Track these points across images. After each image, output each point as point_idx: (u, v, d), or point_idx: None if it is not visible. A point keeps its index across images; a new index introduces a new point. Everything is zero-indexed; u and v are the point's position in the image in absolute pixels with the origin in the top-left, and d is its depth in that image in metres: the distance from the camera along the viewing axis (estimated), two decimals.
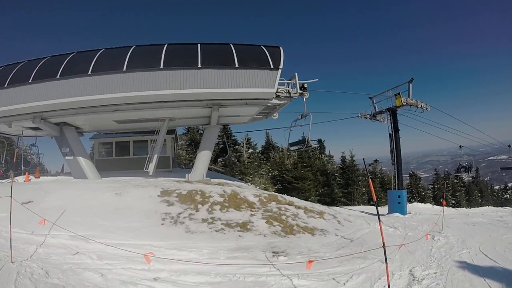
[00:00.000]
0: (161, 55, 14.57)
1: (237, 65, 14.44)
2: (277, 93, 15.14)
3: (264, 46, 15.48)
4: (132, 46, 15.37)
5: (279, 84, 15.09)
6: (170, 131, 21.10)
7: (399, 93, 20.86)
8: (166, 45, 15.20)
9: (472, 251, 9.45)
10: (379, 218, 5.35)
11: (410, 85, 21.09)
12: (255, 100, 15.28)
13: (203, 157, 17.48)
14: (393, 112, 21.73)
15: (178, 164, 26.73)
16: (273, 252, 8.21)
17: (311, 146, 18.87)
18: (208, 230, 9.37)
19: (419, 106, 21.51)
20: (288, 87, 15.81)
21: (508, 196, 61.57)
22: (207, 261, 7.02)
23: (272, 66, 14.55)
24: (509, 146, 33.06)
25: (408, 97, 20.93)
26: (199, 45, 15.12)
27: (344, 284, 6.41)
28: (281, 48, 15.25)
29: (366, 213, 19.34)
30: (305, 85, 15.93)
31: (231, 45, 15.27)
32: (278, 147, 40.00)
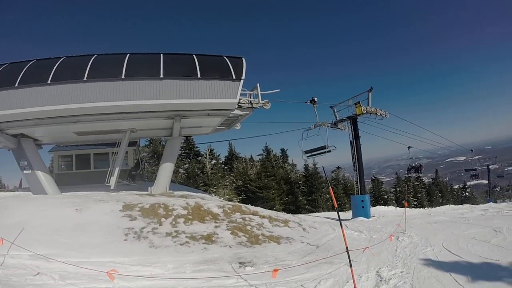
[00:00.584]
0: (123, 65, 14.20)
1: (199, 76, 14.39)
2: (239, 104, 15.20)
3: (227, 57, 15.54)
4: (94, 55, 14.91)
5: (241, 94, 15.17)
6: (132, 143, 20.56)
7: (359, 102, 21.82)
8: (128, 55, 14.86)
9: (436, 248, 9.71)
10: (341, 224, 5.38)
11: (370, 94, 22.15)
12: (218, 111, 15.26)
13: (166, 169, 17.11)
14: (353, 120, 22.64)
15: (141, 176, 26.10)
16: (239, 263, 8.08)
17: (330, 151, 20.05)
18: (172, 244, 9.12)
19: (379, 114, 22.54)
20: (250, 98, 15.91)
21: (467, 194, 64.69)
22: (173, 275, 6.78)
23: (234, 77, 14.63)
24: (471, 150, 35.14)
25: (368, 105, 21.94)
26: (161, 55, 14.92)
27: None
28: (243, 59, 15.37)
29: (331, 219, 19.54)
30: (315, 99, 18.89)
31: (194, 56, 15.19)
32: (241, 157, 40.00)
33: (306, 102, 21.16)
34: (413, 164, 32.95)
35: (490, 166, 56.63)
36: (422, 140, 31.42)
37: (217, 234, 10.01)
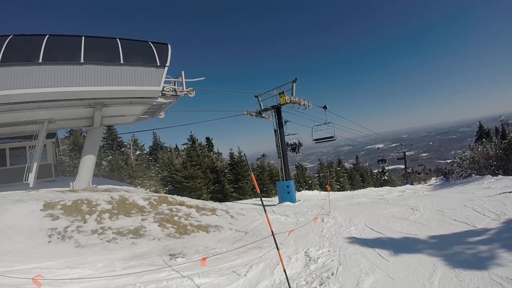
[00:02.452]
0: (41, 48, 12.76)
1: (122, 62, 13.54)
2: (163, 92, 14.70)
3: (152, 42, 14.84)
4: (9, 35, 13.28)
5: (166, 82, 14.70)
6: (50, 135, 18.84)
7: (283, 92, 22.58)
8: (47, 36, 13.33)
9: (359, 227, 10.39)
10: (264, 209, 5.50)
11: (294, 84, 23.02)
12: (141, 99, 14.58)
13: (88, 162, 16.00)
14: (277, 110, 23.46)
15: (62, 171, 24.23)
16: (170, 255, 7.93)
17: (335, 139, 24.50)
18: (99, 241, 8.64)
19: (302, 104, 23.52)
20: (175, 86, 15.51)
21: (386, 178, 69.91)
22: (103, 275, 6.44)
23: (158, 64, 14.06)
24: (401, 144, 38.15)
25: (292, 95, 22.69)
26: (83, 38, 13.71)
27: (245, 275, 6.46)
28: (169, 45, 14.81)
29: (258, 205, 19.93)
30: (326, 106, 19.70)
31: (118, 40, 14.21)
32: (166, 147, 39.06)
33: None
34: (381, 158, 35.84)
35: (406, 153, 62.94)
36: (343, 128, 34.09)
37: (145, 228, 9.69)
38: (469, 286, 4.81)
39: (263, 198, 29.36)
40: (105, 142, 32.02)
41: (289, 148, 32.56)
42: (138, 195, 12.61)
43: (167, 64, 14.35)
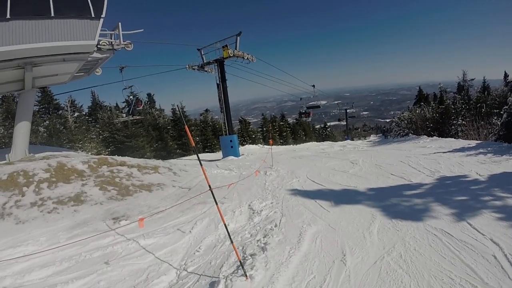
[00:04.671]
0: None
1: (53, 14, 12.28)
2: (98, 46, 13.65)
3: None
4: None
5: (101, 35, 13.61)
6: None
7: (226, 45, 21.98)
8: None
9: (301, 179, 10.73)
10: (200, 163, 5.36)
11: (238, 38, 22.44)
12: (74, 55, 13.33)
13: (22, 130, 14.63)
14: (220, 63, 22.94)
15: None
16: (113, 218, 7.68)
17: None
18: (40, 214, 8.11)
19: (246, 58, 23.14)
20: (111, 39, 14.46)
21: (327, 133, 72.34)
22: (48, 249, 6.10)
23: (93, 15, 12.87)
24: (313, 85, 38.86)
25: (236, 49, 22.17)
26: None
27: (190, 231, 6.43)
28: None
29: (203, 160, 19.85)
30: None
31: None
32: (106, 106, 37.20)
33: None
34: (303, 110, 35.88)
35: (347, 110, 65.49)
36: (287, 84, 34.32)
37: (86, 193, 9.23)
38: (406, 236, 5.09)
39: (208, 154, 29.29)
40: (40, 106, 29.56)
41: (303, 115, 32.47)
42: (77, 159, 11.95)
43: (103, 15, 13.19)
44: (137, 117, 21.21)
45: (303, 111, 36.16)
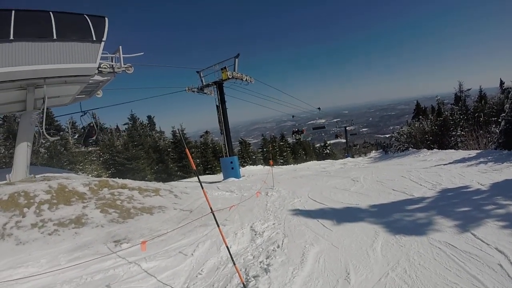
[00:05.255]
0: None
1: (55, 37, 12.50)
2: (99, 69, 13.88)
3: (87, 15, 13.72)
4: None
5: (102, 58, 13.85)
6: None
7: (225, 67, 22.28)
8: None
9: (303, 199, 10.67)
10: (201, 185, 5.40)
11: (236, 60, 22.73)
12: (76, 77, 13.59)
13: (22, 150, 14.69)
14: (219, 85, 23.14)
15: None
16: (114, 241, 7.63)
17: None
18: (40, 235, 8.07)
19: (244, 79, 23.43)
20: (112, 62, 14.70)
21: (328, 151, 72.36)
22: (48, 271, 6.06)
23: (95, 38, 13.13)
24: (319, 108, 39.17)
25: (234, 71, 22.49)
26: (13, 12, 12.41)
27: (192, 254, 6.38)
28: (106, 18, 13.85)
29: (204, 182, 19.82)
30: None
31: (51, 13, 12.95)
32: (106, 128, 37.38)
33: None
34: (296, 129, 36.05)
35: (347, 128, 65.79)
36: (286, 104, 34.71)
37: (87, 215, 9.22)
38: (410, 251, 5.05)
39: (208, 176, 29.21)
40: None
41: (296, 133, 32.36)
42: (77, 181, 11.96)
43: (104, 38, 13.49)
44: (91, 148, 20.72)
45: (296, 129, 36.41)
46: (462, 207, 6.96)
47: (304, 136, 36.14)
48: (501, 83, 33.72)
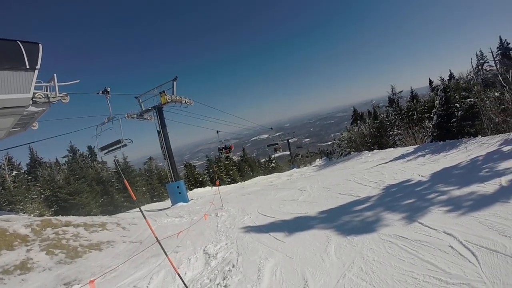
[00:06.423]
0: None
1: None
2: (34, 99, 13.02)
3: (20, 41, 12.86)
4: None
5: (36, 87, 13.00)
6: None
7: (164, 91, 22.05)
8: None
9: (253, 215, 10.63)
10: (143, 216, 5.21)
11: (175, 83, 22.60)
12: (9, 109, 12.70)
13: None
14: (159, 110, 22.77)
15: None
16: (64, 284, 7.12)
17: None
18: None
19: (183, 102, 23.13)
20: (47, 91, 13.86)
21: (273, 165, 73.10)
22: None
23: (28, 66, 12.32)
24: (271, 128, 39.67)
25: (173, 94, 22.24)
26: None
27: (147, 287, 6.10)
28: (40, 45, 13.04)
29: (152, 210, 19.22)
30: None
31: None
32: (45, 162, 35.23)
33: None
34: (223, 146, 35.89)
35: (290, 140, 67.06)
36: (227, 123, 34.74)
37: (32, 259, 8.54)
38: (363, 249, 5.13)
39: (156, 203, 28.33)
40: None
41: (223, 149, 31.74)
42: (18, 223, 11.12)
43: (38, 66, 12.67)
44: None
45: (223, 146, 36.48)
46: (406, 200, 7.25)
47: (232, 151, 35.75)
48: (430, 82, 35.89)
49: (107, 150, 19.45)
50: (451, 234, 4.75)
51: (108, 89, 18.14)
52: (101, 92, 19.59)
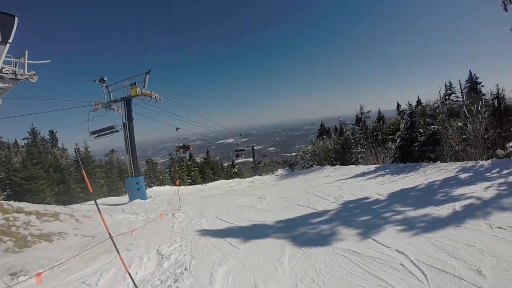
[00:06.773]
0: None
1: None
2: (1, 74, 12.38)
3: None
4: None
5: (5, 62, 12.35)
6: None
7: (135, 83, 21.47)
8: None
9: (210, 219, 10.55)
10: (99, 210, 5.08)
11: (147, 76, 22.02)
12: None
13: None
14: (127, 101, 22.10)
15: None
16: (10, 274, 6.77)
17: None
18: None
19: (153, 97, 22.64)
20: (16, 67, 13.20)
21: (236, 170, 73.07)
22: None
23: (0, 39, 11.71)
24: (240, 134, 39.65)
25: (144, 87, 21.75)
26: None
27: (96, 284, 5.91)
28: (16, 18, 12.40)
29: (108, 204, 18.72)
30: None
31: None
32: (3, 142, 33.57)
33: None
34: (181, 144, 35.52)
35: (255, 147, 67.21)
36: (195, 123, 34.41)
37: None
38: (316, 261, 5.20)
39: (113, 197, 27.59)
40: None
41: (181, 149, 31.28)
42: None
43: (10, 40, 12.09)
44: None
45: (181, 145, 36.31)
46: (363, 216, 7.41)
47: (190, 151, 35.14)
48: (398, 106, 37.12)
49: (97, 134, 19.30)
50: (403, 252, 4.91)
51: (105, 78, 18.42)
52: (97, 80, 19.50)
